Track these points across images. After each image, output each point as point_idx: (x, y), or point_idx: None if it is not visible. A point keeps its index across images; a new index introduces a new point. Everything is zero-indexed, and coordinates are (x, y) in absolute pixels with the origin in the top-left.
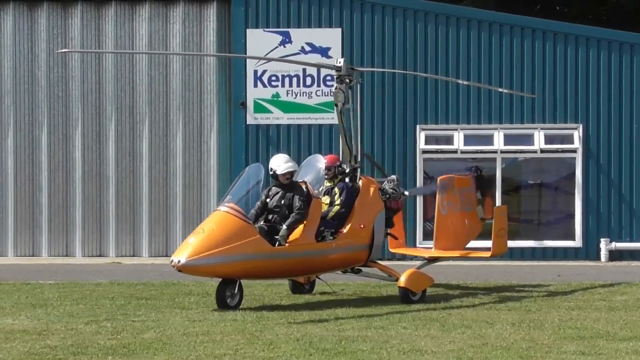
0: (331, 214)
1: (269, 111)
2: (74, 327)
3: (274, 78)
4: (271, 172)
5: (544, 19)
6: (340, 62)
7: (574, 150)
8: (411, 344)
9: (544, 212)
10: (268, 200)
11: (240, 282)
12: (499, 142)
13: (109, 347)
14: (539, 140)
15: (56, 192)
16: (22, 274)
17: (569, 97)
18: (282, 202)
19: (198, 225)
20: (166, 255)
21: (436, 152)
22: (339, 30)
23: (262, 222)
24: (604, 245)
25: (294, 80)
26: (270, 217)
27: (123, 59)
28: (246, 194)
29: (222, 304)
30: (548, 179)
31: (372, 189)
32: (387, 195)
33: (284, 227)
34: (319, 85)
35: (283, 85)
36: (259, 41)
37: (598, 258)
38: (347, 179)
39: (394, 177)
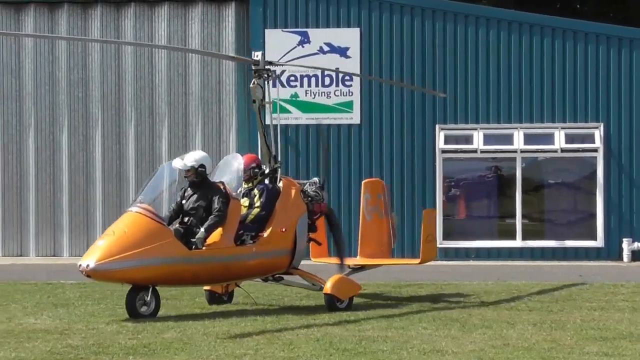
0: (250, 217)
1: (288, 111)
2: (95, 326)
3: (292, 78)
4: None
5: (563, 17)
6: (257, 56)
7: (595, 150)
8: (432, 344)
9: (564, 212)
10: (184, 201)
11: (155, 289)
12: (519, 142)
13: (130, 346)
14: (559, 140)
15: (77, 192)
16: (43, 274)
17: (589, 96)
18: (199, 203)
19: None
20: None
21: (456, 151)
22: (358, 30)
23: (177, 225)
24: (626, 245)
25: (313, 80)
26: (186, 219)
27: (142, 60)
28: (160, 194)
29: (133, 313)
30: (569, 179)
31: (293, 191)
32: (310, 198)
33: (202, 229)
34: (337, 85)
35: (302, 86)
36: (278, 41)
37: (620, 258)
38: (267, 180)
39: (316, 179)
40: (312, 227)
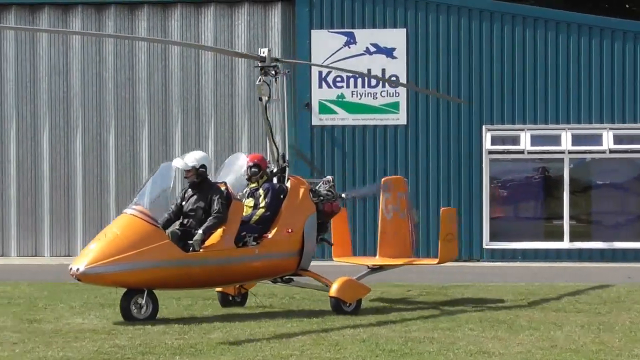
0: (255, 217)
1: (334, 112)
2: (141, 326)
3: (339, 79)
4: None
5: (612, 17)
6: (264, 53)
7: None
8: (478, 345)
9: (613, 213)
10: (184, 203)
11: (152, 292)
12: (566, 143)
13: (177, 347)
14: (607, 141)
15: (123, 192)
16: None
17: (638, 96)
18: (198, 204)
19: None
20: None
21: (502, 152)
22: (404, 30)
23: (176, 227)
24: None
25: (359, 81)
26: (185, 221)
27: (189, 62)
28: (157, 195)
29: (128, 317)
30: (617, 180)
31: (301, 191)
32: (321, 198)
33: (200, 231)
34: (383, 86)
35: (348, 86)
36: (324, 42)
37: None
38: (274, 180)
39: (329, 177)
40: (322, 227)
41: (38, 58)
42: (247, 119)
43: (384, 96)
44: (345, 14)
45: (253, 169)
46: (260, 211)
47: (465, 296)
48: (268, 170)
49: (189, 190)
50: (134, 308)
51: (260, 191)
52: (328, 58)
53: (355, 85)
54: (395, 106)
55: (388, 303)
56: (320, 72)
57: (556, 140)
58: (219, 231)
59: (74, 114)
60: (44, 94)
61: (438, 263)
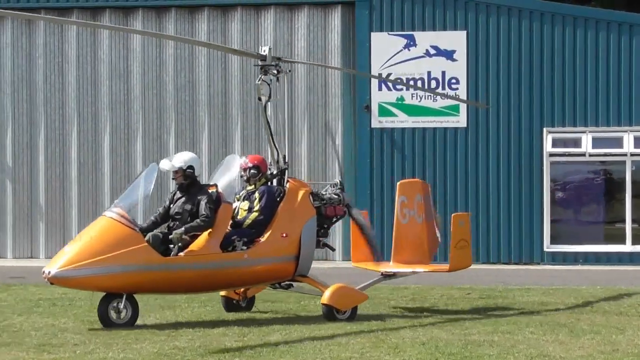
0: (248, 221)
1: (393, 114)
2: (201, 329)
3: (398, 81)
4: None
5: None
6: (264, 51)
7: None
8: (539, 349)
9: None
10: (172, 205)
11: (131, 296)
12: (629, 145)
13: (236, 348)
14: None
15: None
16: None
17: None
18: (185, 207)
19: None
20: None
21: (563, 155)
22: (464, 32)
23: (158, 230)
24: None
25: (419, 83)
26: (172, 224)
27: (249, 64)
28: (137, 197)
29: (105, 322)
30: None
31: (300, 193)
32: (323, 201)
33: (182, 228)
34: (443, 88)
35: (408, 89)
36: (383, 44)
37: None
38: (274, 182)
39: (337, 180)
40: (324, 232)
41: (99, 61)
42: (306, 121)
43: (444, 98)
44: (405, 16)
45: (252, 171)
46: (254, 215)
47: (525, 299)
48: (268, 172)
49: (178, 192)
50: (112, 313)
51: (256, 194)
52: (387, 60)
53: (415, 88)
54: (455, 108)
55: (448, 306)
56: (380, 75)
57: (618, 142)
58: (205, 235)
59: (134, 116)
60: (105, 96)
61: (449, 271)
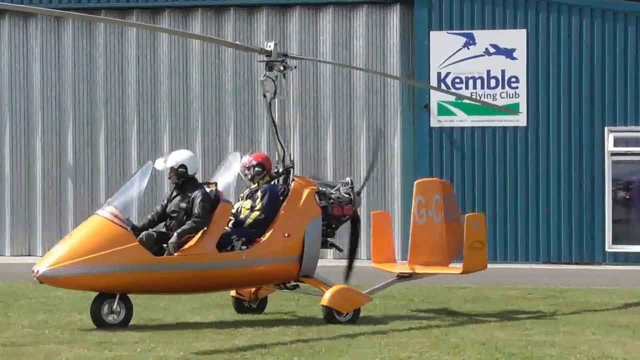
0: (249, 220)
1: (452, 113)
2: (260, 327)
3: (457, 80)
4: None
5: None
6: (270, 47)
7: None
8: (600, 350)
9: None
10: (168, 204)
11: (125, 297)
12: None
13: (295, 348)
14: None
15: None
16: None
17: None
18: (180, 205)
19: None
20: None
21: (625, 154)
22: (524, 31)
23: (152, 229)
24: None
25: (478, 82)
26: (168, 223)
27: (307, 63)
28: (130, 196)
29: (98, 322)
30: None
31: (305, 192)
32: (331, 201)
33: (175, 234)
34: (503, 87)
35: (467, 87)
36: (442, 43)
37: None
38: (277, 181)
39: (348, 179)
40: (330, 232)
41: (159, 61)
42: (365, 120)
43: (504, 97)
44: (464, 15)
45: (257, 169)
46: (255, 214)
47: (586, 300)
48: (274, 171)
49: (175, 190)
50: (105, 313)
51: (259, 193)
52: (446, 60)
53: (475, 87)
54: (515, 107)
55: (507, 306)
56: (439, 74)
57: None
58: (200, 234)
59: (193, 116)
60: (165, 96)
61: (462, 273)
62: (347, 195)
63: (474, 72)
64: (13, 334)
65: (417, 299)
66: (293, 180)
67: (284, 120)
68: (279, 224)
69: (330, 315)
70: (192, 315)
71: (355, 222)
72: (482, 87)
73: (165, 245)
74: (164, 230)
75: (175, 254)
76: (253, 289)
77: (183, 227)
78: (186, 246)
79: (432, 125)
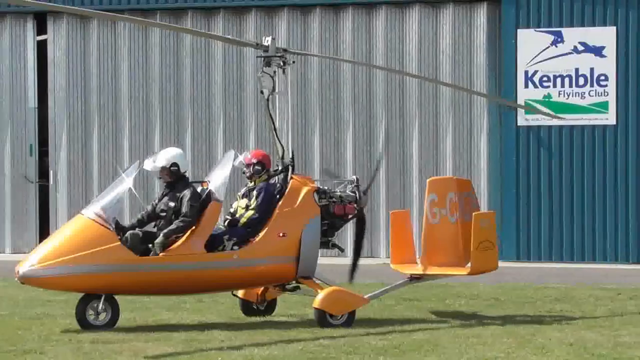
0: (243, 220)
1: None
2: (344, 327)
3: (545, 79)
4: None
5: None
6: (267, 42)
7: None
8: None
9: None
10: (158, 203)
11: (111, 297)
12: None
13: (380, 347)
14: None
15: None
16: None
17: None
18: (169, 205)
19: None
20: None
21: None
22: (614, 28)
23: (146, 229)
24: None
25: (566, 80)
26: (158, 222)
27: (393, 61)
28: (115, 195)
29: (83, 324)
30: None
31: (303, 191)
32: (333, 199)
33: (161, 234)
34: (592, 86)
35: (555, 86)
36: (530, 41)
37: None
38: (277, 179)
39: (354, 177)
40: (331, 232)
41: (246, 60)
42: (451, 118)
43: (592, 95)
44: (552, 13)
45: (257, 167)
46: (249, 213)
47: None
48: (272, 169)
49: (165, 188)
50: (90, 314)
51: (255, 191)
52: (534, 58)
53: (563, 85)
54: (604, 106)
55: (596, 306)
56: (526, 72)
57: None
58: (188, 234)
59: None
60: (250, 94)
61: (469, 274)
62: (352, 194)
63: (562, 71)
64: (101, 332)
65: (503, 298)
66: (292, 178)
67: (372, 122)
68: (274, 224)
69: (323, 318)
70: (279, 314)
71: (360, 221)
72: (571, 86)
73: (151, 245)
74: (154, 230)
75: (161, 254)
76: (260, 291)
77: (170, 227)
78: (173, 246)
79: (519, 124)
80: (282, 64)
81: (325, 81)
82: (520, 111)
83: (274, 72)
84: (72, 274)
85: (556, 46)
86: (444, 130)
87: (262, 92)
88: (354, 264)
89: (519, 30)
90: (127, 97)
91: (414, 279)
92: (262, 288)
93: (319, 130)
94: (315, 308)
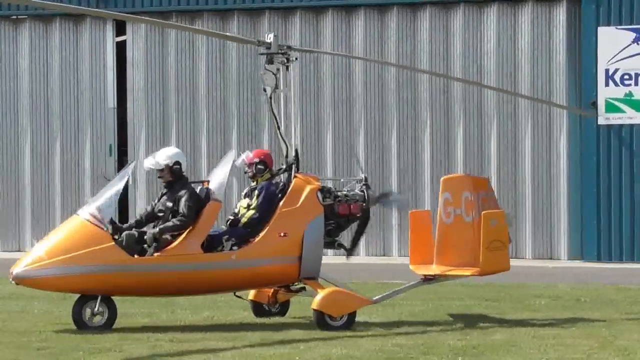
0: (243, 220)
1: (621, 111)
2: (422, 326)
3: (626, 77)
4: None
5: None
6: (269, 38)
7: None
8: None
9: None
10: (157, 203)
11: (108, 298)
12: None
13: (459, 347)
14: None
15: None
16: (374, 274)
17: None
18: (167, 205)
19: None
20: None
21: None
22: None
23: (145, 229)
24: None
25: None
26: (157, 223)
27: (469, 61)
28: (110, 195)
29: (79, 324)
30: None
31: (306, 190)
32: (338, 199)
33: (156, 229)
34: None
35: (637, 84)
36: (610, 39)
37: None
38: (281, 178)
39: (362, 176)
40: (337, 231)
41: (322, 61)
42: (530, 117)
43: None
44: (634, 10)
45: (259, 166)
46: (250, 213)
47: None
48: (278, 168)
49: (164, 188)
50: (88, 314)
51: (256, 191)
52: (615, 56)
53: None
54: None
55: None
56: (607, 70)
57: None
58: (185, 234)
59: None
60: (328, 95)
61: (479, 274)
62: (361, 193)
63: None
64: (179, 330)
65: (584, 298)
66: (295, 177)
67: (449, 121)
68: (274, 223)
69: (322, 320)
70: (361, 314)
71: (364, 219)
72: None
73: (146, 245)
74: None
75: (156, 254)
76: (271, 292)
77: (166, 224)
78: (169, 246)
79: (599, 123)
80: (285, 60)
81: (402, 80)
82: (601, 110)
83: (277, 69)
84: (65, 274)
85: (637, 44)
86: (523, 129)
87: (264, 90)
88: (351, 248)
89: (599, 28)
90: (204, 98)
91: (427, 279)
92: (272, 289)
93: (397, 130)
94: (314, 309)
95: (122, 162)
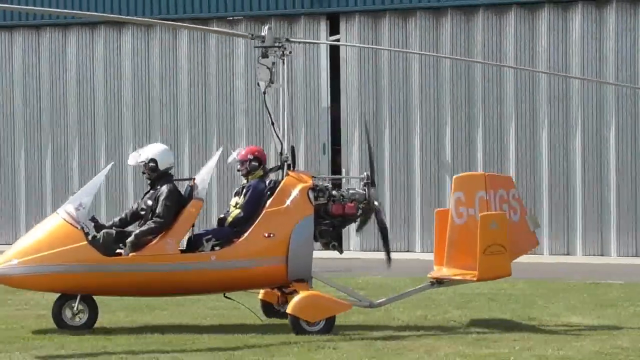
0: (229, 219)
1: None
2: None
3: None
4: None
5: None
6: (264, 31)
7: None
8: None
9: None
10: (140, 201)
11: (89, 297)
12: None
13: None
14: None
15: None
16: (588, 274)
17: None
18: (147, 203)
19: None
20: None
21: None
22: None
23: (130, 227)
24: None
25: None
26: (139, 221)
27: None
28: (87, 193)
29: (59, 323)
30: None
31: (297, 189)
32: (333, 197)
33: (133, 234)
34: None
35: None
36: None
37: None
38: (274, 175)
39: (365, 174)
40: (331, 232)
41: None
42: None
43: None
44: None
45: (253, 163)
46: (235, 212)
47: None
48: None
49: (148, 187)
50: (67, 314)
51: (245, 189)
52: None
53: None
54: None
55: None
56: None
57: None
58: (163, 233)
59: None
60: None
61: (477, 280)
62: (362, 192)
63: None
64: (391, 329)
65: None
66: (287, 175)
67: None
68: (260, 223)
69: (297, 324)
70: (571, 314)
71: (377, 213)
72: None
73: (122, 244)
74: (130, 229)
75: (131, 254)
76: (279, 293)
77: (142, 229)
78: (146, 246)
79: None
80: (281, 54)
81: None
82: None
83: (272, 63)
84: (38, 273)
85: None
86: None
87: (258, 85)
88: (388, 253)
89: None
90: (418, 96)
91: (436, 282)
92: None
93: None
94: (288, 313)
95: (334, 161)
